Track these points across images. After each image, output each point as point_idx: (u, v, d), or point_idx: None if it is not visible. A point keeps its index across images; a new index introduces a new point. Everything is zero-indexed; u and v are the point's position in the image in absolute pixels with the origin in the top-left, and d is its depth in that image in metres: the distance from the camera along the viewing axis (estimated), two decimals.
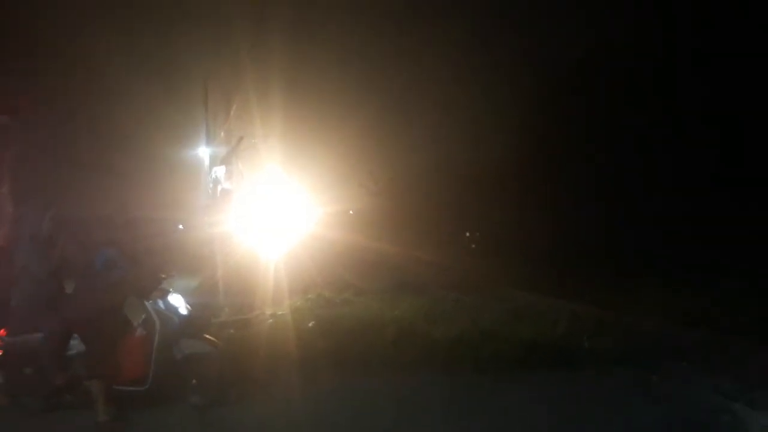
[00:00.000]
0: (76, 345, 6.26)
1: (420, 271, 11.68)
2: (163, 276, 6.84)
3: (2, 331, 6.49)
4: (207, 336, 6.76)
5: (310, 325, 8.12)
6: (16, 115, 9.16)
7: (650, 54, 12.25)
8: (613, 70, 12.55)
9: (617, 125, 12.52)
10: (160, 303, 6.57)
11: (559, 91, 12.39)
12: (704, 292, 9.21)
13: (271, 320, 7.70)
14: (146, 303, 6.48)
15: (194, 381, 6.33)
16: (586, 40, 12.26)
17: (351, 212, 11.71)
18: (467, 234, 12.33)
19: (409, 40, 12.28)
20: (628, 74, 12.52)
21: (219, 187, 10.21)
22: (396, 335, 7.82)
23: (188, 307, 6.92)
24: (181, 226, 11.29)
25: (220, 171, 10.43)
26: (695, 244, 11.02)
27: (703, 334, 7.98)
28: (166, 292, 6.75)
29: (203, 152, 14.98)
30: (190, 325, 6.74)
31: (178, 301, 6.79)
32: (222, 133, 12.46)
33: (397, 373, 7.00)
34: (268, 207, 9.20)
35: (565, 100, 12.42)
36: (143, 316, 6.53)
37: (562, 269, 10.96)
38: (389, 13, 12.34)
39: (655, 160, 12.38)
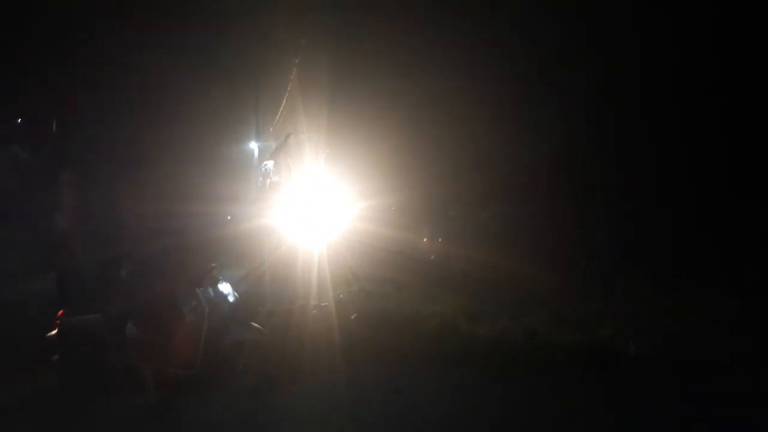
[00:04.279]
0: (129, 329, 6.52)
1: (461, 267, 11.70)
2: (213, 265, 7.09)
3: (60, 311, 6.79)
4: (254, 323, 6.99)
5: (353, 317, 8.25)
6: (78, 111, 9.54)
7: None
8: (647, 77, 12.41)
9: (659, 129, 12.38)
10: (210, 290, 6.82)
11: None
12: (749, 297, 8.99)
13: (315, 311, 7.85)
14: (197, 290, 6.71)
15: (241, 366, 6.55)
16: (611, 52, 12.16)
17: (393, 208, 11.79)
18: (508, 232, 12.27)
19: (455, 45, 12.31)
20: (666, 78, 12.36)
21: (268, 181, 10.43)
22: (437, 331, 7.90)
23: (236, 295, 7.16)
24: (230, 218, 11.57)
25: (269, 165, 10.66)
26: (740, 247, 10.78)
27: (751, 338, 7.76)
28: (216, 280, 6.99)
29: (253, 147, 15.36)
30: (238, 313, 6.98)
31: (227, 289, 7.04)
32: (271, 129, 12.69)
33: (438, 368, 7.06)
34: (313, 201, 9.36)
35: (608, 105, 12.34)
36: (194, 303, 6.75)
37: (606, 273, 10.82)
38: (436, 18, 12.41)
39: (694, 160, 12.15)
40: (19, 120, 10.67)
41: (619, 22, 12.30)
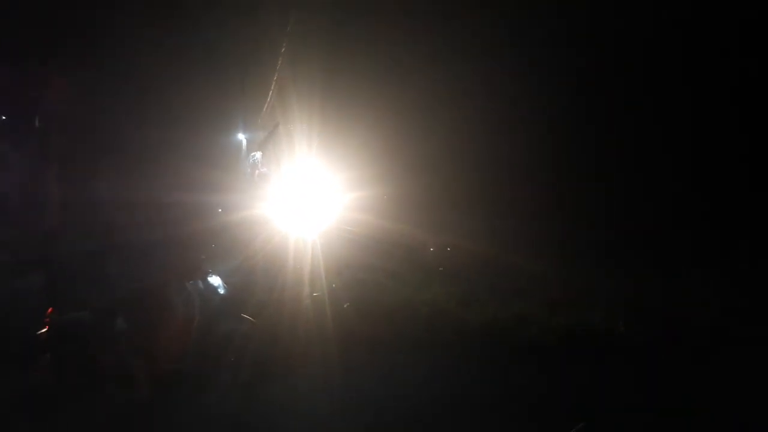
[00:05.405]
0: (120, 324, 6.49)
1: (453, 255, 11.69)
2: (203, 257, 7.08)
3: (49, 309, 6.74)
4: (245, 315, 6.98)
5: (345, 306, 8.26)
6: (63, 104, 9.45)
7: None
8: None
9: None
10: (200, 284, 6.81)
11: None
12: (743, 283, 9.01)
13: (307, 301, 7.86)
14: (187, 284, 6.69)
15: (233, 358, 6.54)
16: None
17: (385, 197, 11.74)
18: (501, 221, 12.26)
19: (450, 34, 12.24)
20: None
21: (257, 172, 10.41)
22: (428, 318, 7.92)
23: (227, 287, 7.15)
24: (220, 209, 11.53)
25: (257, 156, 10.63)
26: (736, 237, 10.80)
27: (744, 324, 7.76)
28: (206, 273, 6.98)
29: (242, 138, 15.28)
30: (228, 305, 6.98)
31: (216, 282, 7.03)
32: (260, 120, 12.63)
33: (431, 355, 7.08)
34: (303, 191, 9.34)
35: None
36: (184, 296, 6.73)
37: (600, 259, 10.83)
38: (427, 11, 12.32)
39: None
40: (3, 117, 10.56)
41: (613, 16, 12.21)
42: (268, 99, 11.74)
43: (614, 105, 12.30)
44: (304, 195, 9.39)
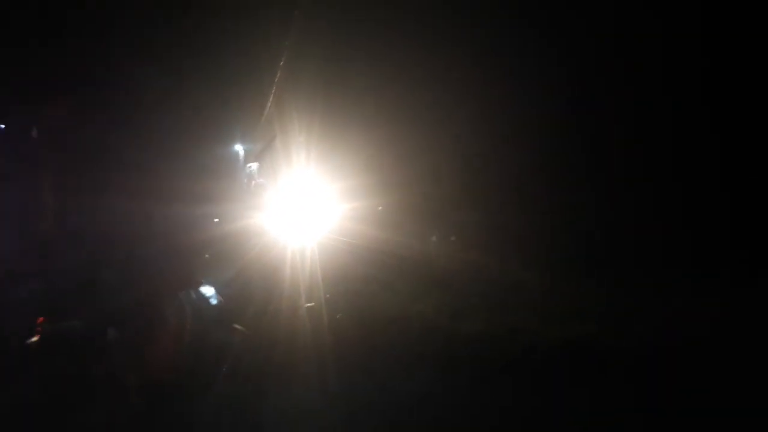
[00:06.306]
0: (111, 333, 6.47)
1: (447, 266, 11.69)
2: (198, 267, 7.07)
3: (40, 318, 6.71)
4: (238, 326, 6.96)
5: (338, 317, 8.26)
6: (59, 114, 9.45)
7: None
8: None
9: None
10: (193, 294, 6.80)
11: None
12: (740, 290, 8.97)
13: (301, 311, 7.85)
14: (180, 294, 6.68)
15: (225, 369, 6.52)
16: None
17: (380, 208, 11.77)
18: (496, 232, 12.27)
19: (448, 44, 12.30)
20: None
21: (253, 182, 10.43)
22: (420, 329, 7.92)
23: (220, 297, 7.14)
24: (216, 220, 11.54)
25: (254, 167, 10.66)
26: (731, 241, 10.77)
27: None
28: (199, 284, 6.98)
29: (239, 149, 15.35)
30: (222, 315, 6.96)
31: (209, 292, 7.03)
32: (257, 131, 12.67)
33: (424, 366, 7.05)
34: (299, 202, 9.35)
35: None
36: (176, 307, 6.72)
37: (593, 271, 10.79)
38: (428, 17, 12.38)
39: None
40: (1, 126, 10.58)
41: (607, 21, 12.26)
42: (266, 111, 11.78)
43: (608, 113, 12.34)
44: (300, 205, 9.41)
